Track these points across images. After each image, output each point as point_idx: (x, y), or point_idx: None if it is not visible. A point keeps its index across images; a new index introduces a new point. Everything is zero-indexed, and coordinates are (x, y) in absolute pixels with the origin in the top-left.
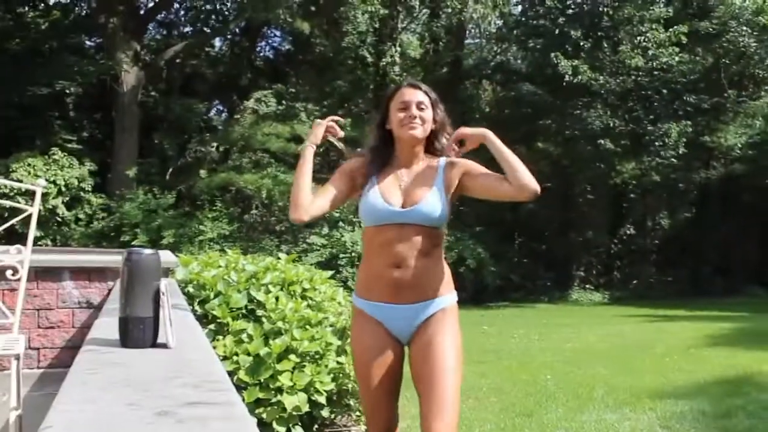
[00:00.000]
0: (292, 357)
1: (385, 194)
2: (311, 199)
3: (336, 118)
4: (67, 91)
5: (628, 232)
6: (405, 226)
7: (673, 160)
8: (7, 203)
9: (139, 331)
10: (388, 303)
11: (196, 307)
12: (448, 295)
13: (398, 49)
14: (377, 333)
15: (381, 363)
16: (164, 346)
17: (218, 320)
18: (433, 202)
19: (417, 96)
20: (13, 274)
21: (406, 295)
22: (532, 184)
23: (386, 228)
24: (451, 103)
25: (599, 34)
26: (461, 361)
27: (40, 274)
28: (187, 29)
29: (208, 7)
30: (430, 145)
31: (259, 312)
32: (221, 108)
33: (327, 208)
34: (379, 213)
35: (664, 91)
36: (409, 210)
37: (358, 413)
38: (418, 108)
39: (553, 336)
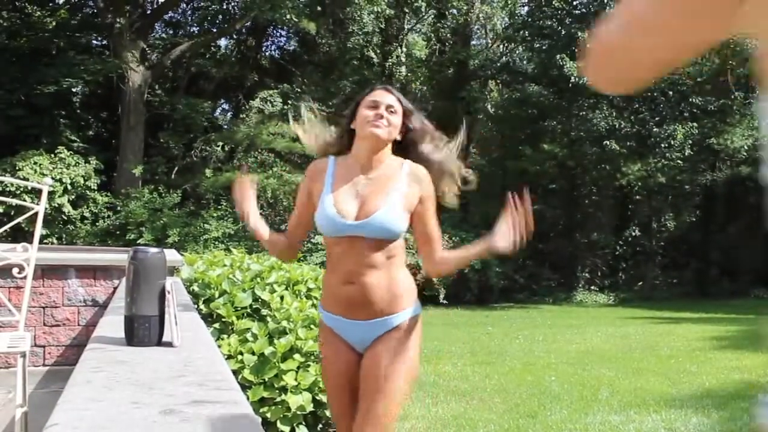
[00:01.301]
0: (297, 356)
1: (338, 204)
2: (286, 241)
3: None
4: (74, 90)
5: (633, 233)
6: (357, 239)
7: (679, 161)
8: (14, 201)
9: (144, 330)
10: (343, 318)
11: (201, 306)
12: (403, 312)
13: (404, 49)
14: (336, 344)
15: (341, 373)
16: (169, 344)
17: (223, 319)
18: (389, 214)
19: (388, 98)
20: (19, 272)
21: (358, 312)
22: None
23: (340, 241)
24: (456, 104)
25: None
26: (407, 381)
27: (46, 272)
28: (194, 29)
29: (214, 7)
30: (408, 154)
31: (264, 311)
32: (227, 107)
33: (304, 236)
34: (332, 225)
35: (671, 92)
36: (362, 223)
37: None
38: (387, 110)
39: (557, 337)
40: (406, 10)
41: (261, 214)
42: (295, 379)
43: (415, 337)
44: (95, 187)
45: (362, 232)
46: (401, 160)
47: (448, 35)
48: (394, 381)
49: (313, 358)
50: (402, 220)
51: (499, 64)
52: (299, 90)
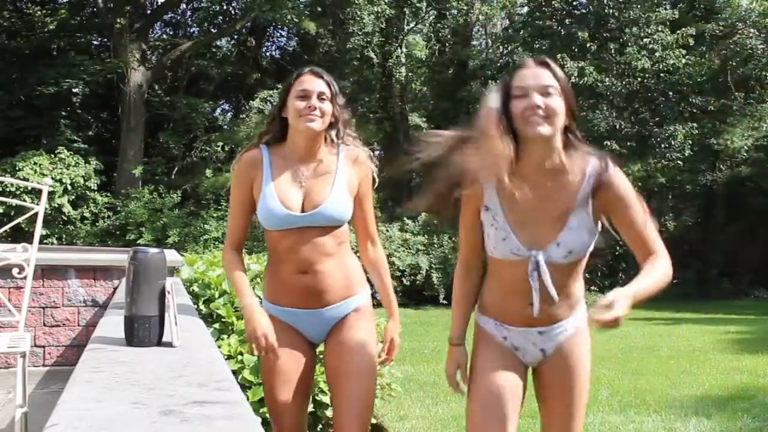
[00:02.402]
0: None
1: (282, 196)
2: (240, 256)
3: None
4: (74, 90)
5: None
6: (307, 229)
7: (679, 162)
8: (14, 201)
9: (144, 330)
10: (300, 309)
11: (201, 306)
12: (359, 294)
13: (404, 49)
14: (290, 338)
15: (292, 369)
16: (169, 344)
17: (223, 319)
18: (336, 201)
19: (318, 85)
20: (19, 272)
21: (316, 300)
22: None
23: (288, 233)
24: (456, 104)
25: (605, 35)
26: (375, 360)
27: (45, 272)
28: (194, 29)
29: (214, 7)
30: (327, 138)
31: None
32: (227, 107)
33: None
34: (279, 219)
35: (671, 93)
36: (311, 213)
37: None
38: (318, 98)
39: None
40: (406, 10)
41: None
42: None
43: (372, 317)
44: (95, 188)
45: (311, 223)
46: (336, 143)
47: (448, 35)
48: (370, 359)
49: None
50: (348, 205)
51: (499, 65)
52: None
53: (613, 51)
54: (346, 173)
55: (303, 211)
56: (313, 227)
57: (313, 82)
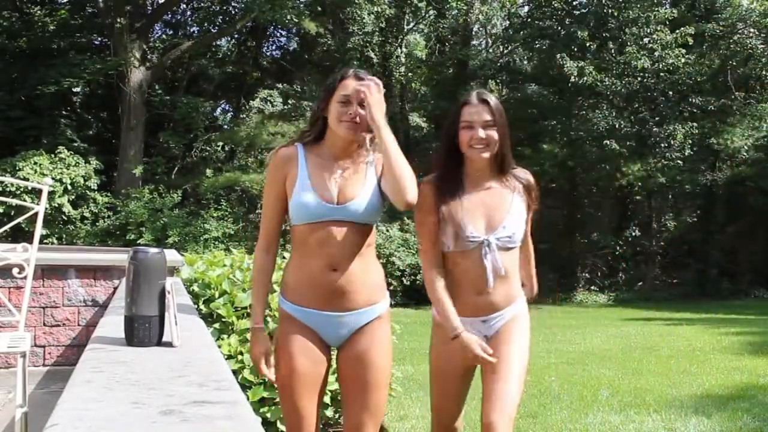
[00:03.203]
0: None
1: (318, 189)
2: (272, 257)
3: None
4: (74, 90)
5: (633, 233)
6: (340, 223)
7: (679, 161)
8: (14, 201)
9: (144, 330)
10: (321, 311)
11: (201, 306)
12: (382, 302)
13: (404, 49)
14: (308, 341)
15: (310, 372)
16: (169, 344)
17: (223, 319)
18: (368, 198)
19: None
20: (19, 272)
21: (340, 302)
22: (404, 193)
23: (321, 225)
24: (456, 104)
25: (605, 35)
26: (390, 371)
27: (46, 272)
28: (194, 29)
29: (214, 7)
30: (364, 140)
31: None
32: (227, 107)
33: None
34: (312, 209)
35: (670, 92)
36: (344, 206)
37: None
38: (359, 105)
39: (557, 337)
40: (406, 10)
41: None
42: None
43: (390, 325)
44: (95, 187)
45: (343, 217)
46: (371, 145)
47: (448, 35)
48: (386, 372)
49: None
50: (379, 203)
51: (499, 64)
52: (299, 89)
53: (612, 50)
54: (378, 173)
55: (337, 203)
56: (344, 222)
57: (354, 88)
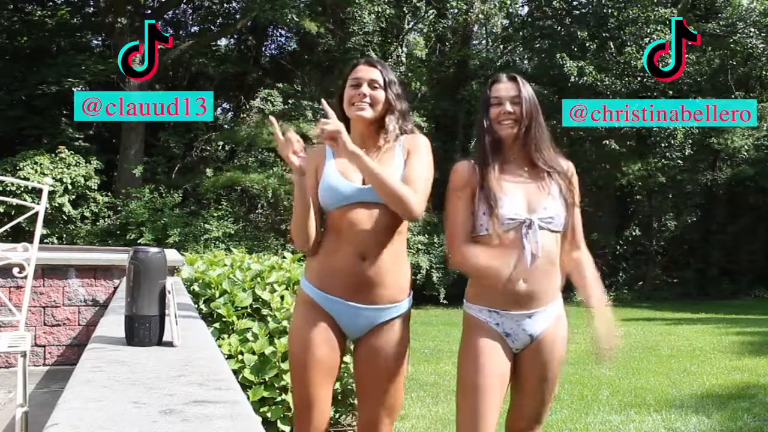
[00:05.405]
0: None
1: (344, 172)
2: (314, 229)
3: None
4: (75, 90)
5: (633, 233)
6: (369, 204)
7: (679, 161)
8: (14, 201)
9: (144, 330)
10: (346, 301)
11: (202, 306)
12: (406, 300)
13: (404, 49)
14: (326, 327)
15: (324, 359)
16: (170, 344)
17: (223, 319)
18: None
19: (370, 73)
20: (19, 272)
21: (367, 294)
22: (406, 212)
23: (350, 208)
24: (456, 104)
25: (605, 35)
26: (406, 371)
27: (46, 271)
28: (194, 28)
29: (214, 7)
30: (381, 128)
31: (264, 311)
32: (227, 107)
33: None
34: (341, 192)
35: (670, 92)
36: (371, 187)
37: None
38: (370, 86)
39: None
40: (406, 10)
41: (262, 213)
42: None
43: (409, 327)
44: (96, 187)
45: (372, 198)
46: (397, 132)
47: (448, 35)
48: (402, 370)
49: None
50: None
51: (499, 64)
52: (300, 89)
53: (612, 50)
54: (403, 160)
55: (363, 184)
56: (373, 204)
57: (365, 71)
